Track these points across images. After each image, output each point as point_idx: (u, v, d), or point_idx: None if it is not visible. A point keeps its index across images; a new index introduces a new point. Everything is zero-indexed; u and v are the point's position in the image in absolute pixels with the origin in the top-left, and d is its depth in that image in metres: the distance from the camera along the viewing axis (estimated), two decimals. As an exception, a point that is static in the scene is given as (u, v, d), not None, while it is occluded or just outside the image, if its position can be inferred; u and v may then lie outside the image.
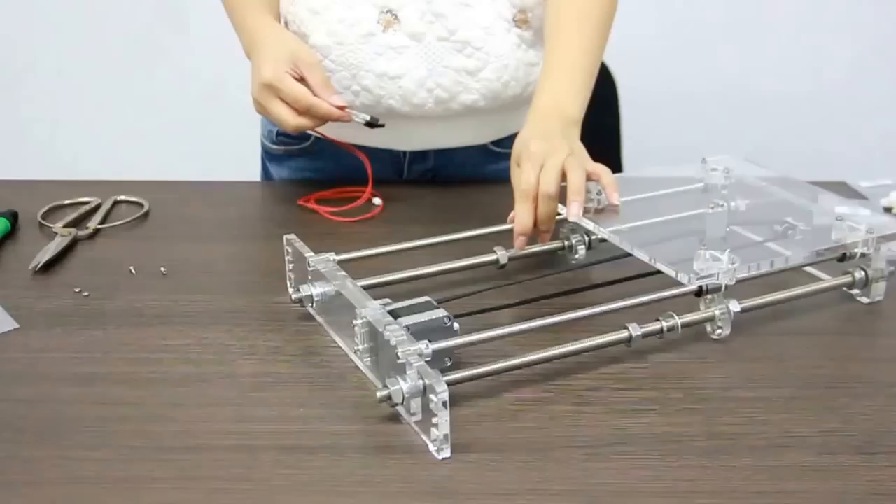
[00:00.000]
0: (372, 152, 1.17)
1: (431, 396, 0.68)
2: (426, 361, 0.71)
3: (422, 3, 1.09)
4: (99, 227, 1.10)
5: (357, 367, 0.80)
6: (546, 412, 0.75)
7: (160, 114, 2.10)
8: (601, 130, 1.54)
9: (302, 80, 1.02)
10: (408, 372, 0.70)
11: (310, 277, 0.87)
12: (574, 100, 1.00)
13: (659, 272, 0.86)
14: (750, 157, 1.11)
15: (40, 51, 2.18)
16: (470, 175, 1.19)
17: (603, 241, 0.96)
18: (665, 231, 0.96)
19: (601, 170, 0.93)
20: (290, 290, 0.90)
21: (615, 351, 0.82)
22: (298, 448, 0.71)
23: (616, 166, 1.55)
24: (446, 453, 0.69)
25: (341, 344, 0.84)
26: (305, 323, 0.88)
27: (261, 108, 1.03)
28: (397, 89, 1.13)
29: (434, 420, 0.68)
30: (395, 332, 0.73)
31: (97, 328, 0.88)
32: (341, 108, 1.03)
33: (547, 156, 0.91)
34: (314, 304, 0.88)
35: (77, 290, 0.95)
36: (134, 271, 0.99)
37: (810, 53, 2.14)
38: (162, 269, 0.99)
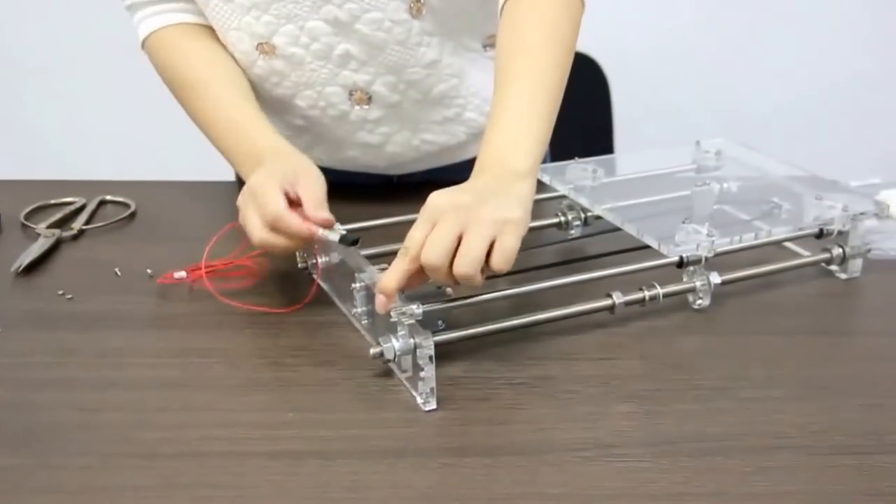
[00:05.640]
0: (355, 174, 1.18)
1: (419, 351, 0.74)
2: (417, 321, 0.76)
3: (390, 77, 1.06)
4: (84, 227, 1.10)
5: (340, 378, 0.80)
6: (532, 393, 0.78)
7: (147, 113, 2.07)
8: (594, 130, 1.55)
9: (293, 201, 0.89)
10: (399, 331, 0.76)
11: (316, 247, 0.92)
12: (524, 148, 0.84)
13: (648, 247, 0.90)
14: (742, 142, 1.15)
15: (23, 49, 2.18)
16: (460, 180, 1.17)
17: (597, 217, 1.01)
18: (656, 209, 1.01)
19: (507, 252, 0.76)
20: (298, 260, 0.97)
21: (600, 318, 0.88)
22: (287, 454, 0.70)
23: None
24: (432, 405, 0.75)
25: (343, 308, 0.89)
26: (295, 326, 0.88)
27: (240, 217, 0.91)
28: (384, 154, 1.14)
29: (422, 374, 0.75)
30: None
31: (81, 332, 0.87)
32: (326, 222, 0.88)
33: (443, 215, 0.76)
34: (319, 273, 0.93)
35: (60, 292, 0.95)
36: (119, 273, 0.99)
37: (805, 54, 2.17)
38: (148, 270, 0.99)
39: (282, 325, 0.88)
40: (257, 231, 0.87)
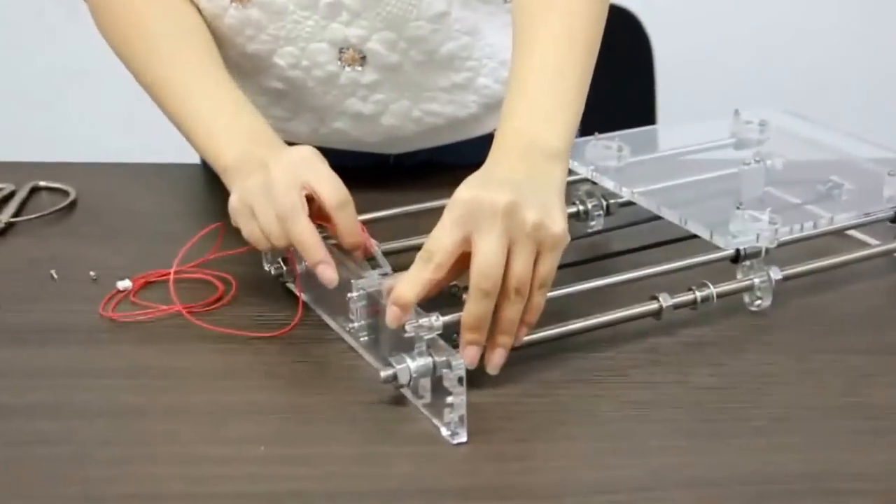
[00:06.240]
0: (344, 153, 1.15)
1: (446, 372, 0.72)
2: (438, 336, 0.75)
3: (388, 33, 1.04)
4: (13, 220, 1.09)
5: (320, 401, 0.80)
6: (562, 406, 0.78)
7: (88, 84, 2.07)
8: (635, 95, 1.54)
9: (310, 199, 0.87)
10: (416, 347, 0.74)
11: (290, 250, 0.89)
12: (558, 120, 0.84)
13: (684, 239, 0.90)
14: (790, 110, 1.14)
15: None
16: (468, 163, 1.15)
17: (623, 205, 0.99)
18: (695, 192, 0.99)
19: (546, 279, 0.77)
20: (266, 265, 0.93)
21: (641, 325, 0.86)
22: (260, 496, 0.69)
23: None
24: (462, 437, 0.73)
25: (330, 322, 0.88)
26: (271, 342, 0.87)
27: (243, 221, 0.88)
28: (377, 128, 1.12)
29: (449, 399, 0.72)
30: None
31: (12, 347, 0.86)
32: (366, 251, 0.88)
33: (484, 223, 0.75)
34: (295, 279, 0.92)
35: (-15, 300, 0.94)
36: (56, 276, 0.98)
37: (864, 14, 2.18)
38: (91, 273, 0.97)
39: (254, 340, 0.87)
40: (277, 238, 0.85)
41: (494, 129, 0.87)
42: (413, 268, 0.76)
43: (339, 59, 1.06)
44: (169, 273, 0.93)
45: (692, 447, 0.73)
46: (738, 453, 0.73)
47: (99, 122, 2.15)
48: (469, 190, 0.77)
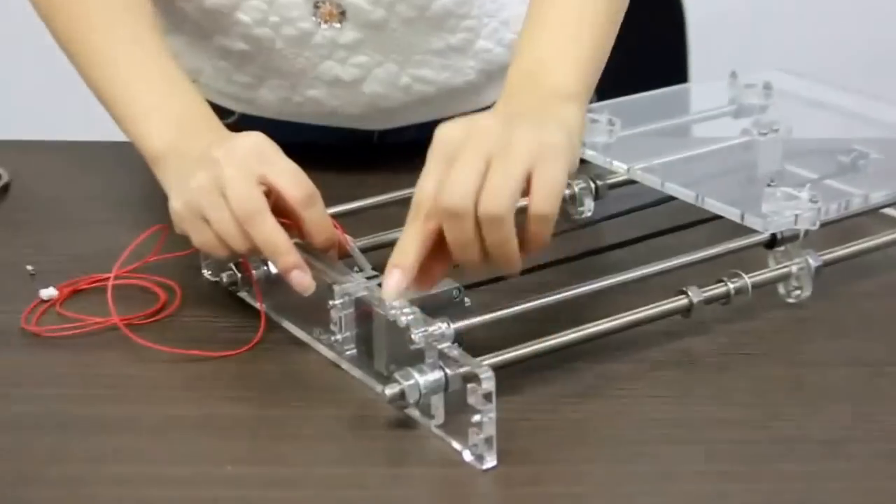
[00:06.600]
0: (319, 129, 1.14)
1: (472, 387, 0.69)
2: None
3: None
4: None
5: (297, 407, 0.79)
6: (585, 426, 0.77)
7: (21, 51, 2.04)
8: (666, 52, 1.53)
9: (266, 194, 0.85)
10: (428, 359, 0.72)
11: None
12: (570, 58, 0.85)
13: (698, 223, 0.89)
14: (796, 70, 1.12)
15: None
16: None
17: (613, 187, 0.97)
18: (703, 168, 0.97)
19: (550, 184, 0.75)
20: (206, 272, 0.91)
21: (658, 330, 0.84)
22: None
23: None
24: (490, 461, 0.70)
25: (300, 335, 0.86)
26: (234, 334, 0.86)
27: (189, 225, 0.85)
28: (358, 96, 1.10)
29: (476, 418, 0.69)
30: (403, 309, 0.75)
31: None
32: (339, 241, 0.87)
33: (461, 148, 0.75)
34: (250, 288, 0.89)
35: None
36: None
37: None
38: (29, 267, 0.97)
39: (221, 335, 0.87)
40: (238, 244, 0.81)
41: (493, 103, 0.86)
42: (405, 228, 0.76)
43: (314, 14, 1.04)
44: (102, 279, 0.90)
45: (729, 473, 0.72)
46: (783, 482, 0.71)
47: (36, 93, 2.13)
48: (451, 126, 0.76)
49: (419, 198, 0.75)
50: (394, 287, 0.74)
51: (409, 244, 0.75)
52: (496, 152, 0.73)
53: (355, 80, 1.08)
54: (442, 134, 0.76)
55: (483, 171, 0.73)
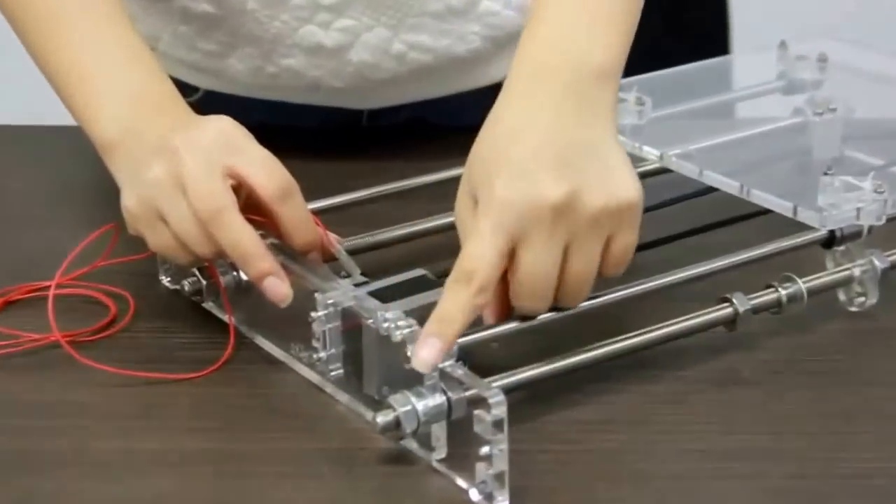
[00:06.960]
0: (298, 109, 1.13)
1: (479, 413, 0.68)
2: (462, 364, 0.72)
3: None
4: None
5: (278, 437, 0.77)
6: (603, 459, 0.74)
7: None
8: (704, 18, 1.54)
9: (236, 189, 0.85)
10: (427, 381, 0.70)
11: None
12: (601, 30, 0.83)
13: (743, 219, 0.89)
14: (855, 39, 1.13)
15: None
16: (468, 124, 1.15)
17: (646, 175, 0.94)
18: (749, 153, 0.97)
19: (626, 255, 0.78)
20: (164, 279, 0.90)
21: (696, 345, 0.83)
22: None
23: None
24: (503, 502, 0.68)
25: (275, 352, 0.84)
26: (197, 353, 0.85)
27: (143, 223, 0.85)
28: (344, 66, 1.08)
29: (485, 450, 0.67)
30: (398, 322, 0.73)
31: None
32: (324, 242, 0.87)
33: (535, 223, 0.74)
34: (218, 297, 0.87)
35: None
36: None
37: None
38: None
39: (173, 363, 0.85)
40: (200, 247, 0.80)
41: (504, 78, 0.83)
42: (449, 293, 0.73)
43: None
44: (42, 287, 0.89)
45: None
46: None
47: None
48: (509, 184, 0.74)
49: (473, 266, 0.73)
50: (431, 360, 0.71)
51: (455, 314, 0.73)
52: (571, 230, 0.74)
53: (340, 46, 1.06)
54: (499, 199, 0.74)
55: (559, 259, 0.74)
